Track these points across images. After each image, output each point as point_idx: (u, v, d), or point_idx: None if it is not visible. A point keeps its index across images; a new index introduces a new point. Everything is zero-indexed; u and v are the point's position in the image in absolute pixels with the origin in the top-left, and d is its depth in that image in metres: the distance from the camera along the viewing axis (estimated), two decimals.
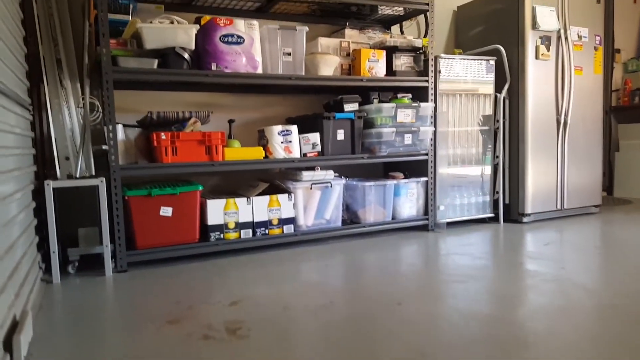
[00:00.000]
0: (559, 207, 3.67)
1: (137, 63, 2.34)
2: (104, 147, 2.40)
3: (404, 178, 3.28)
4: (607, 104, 4.76)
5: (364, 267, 2.43)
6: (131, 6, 2.54)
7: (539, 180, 3.53)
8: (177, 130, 2.60)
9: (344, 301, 1.92)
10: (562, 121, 3.58)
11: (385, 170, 3.57)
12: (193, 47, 2.45)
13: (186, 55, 2.42)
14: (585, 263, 2.41)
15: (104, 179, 2.31)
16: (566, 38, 3.51)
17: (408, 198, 3.28)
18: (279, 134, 2.80)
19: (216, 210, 2.67)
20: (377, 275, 2.26)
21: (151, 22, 2.32)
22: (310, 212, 2.97)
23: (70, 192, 2.66)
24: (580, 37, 3.59)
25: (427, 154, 3.24)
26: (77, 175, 2.34)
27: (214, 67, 2.54)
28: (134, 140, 2.62)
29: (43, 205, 2.24)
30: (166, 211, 2.52)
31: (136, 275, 2.38)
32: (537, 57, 3.42)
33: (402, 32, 3.61)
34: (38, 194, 2.33)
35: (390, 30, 3.53)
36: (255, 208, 2.78)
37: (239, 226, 2.73)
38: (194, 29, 2.41)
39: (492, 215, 3.58)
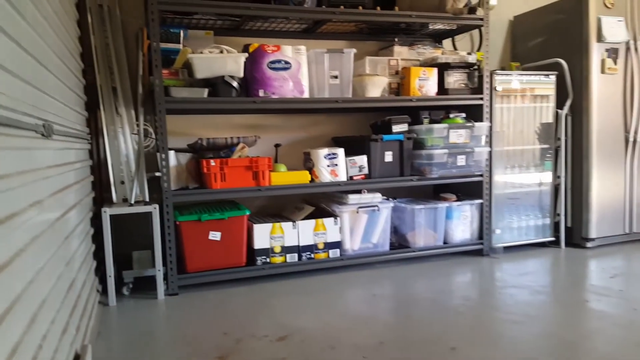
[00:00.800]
0: (627, 230, 3.39)
1: (188, 93, 2.38)
2: (157, 174, 2.47)
3: (456, 200, 3.15)
4: None
5: (414, 299, 2.34)
6: (182, 34, 2.60)
7: (604, 202, 3.28)
8: (225, 155, 2.63)
9: (394, 342, 1.85)
10: (632, 139, 3.30)
11: (436, 190, 3.45)
12: (242, 74, 2.47)
13: (235, 84, 2.45)
14: None
15: (157, 206, 2.37)
16: (636, 49, 3.24)
17: (461, 221, 3.15)
18: (325, 157, 2.77)
19: (263, 235, 2.67)
20: (429, 311, 2.17)
21: (201, 52, 2.36)
22: (356, 235, 2.91)
23: (124, 216, 2.76)
24: None
25: (481, 175, 3.09)
26: (132, 201, 2.41)
27: (261, 93, 2.55)
28: (185, 164, 2.68)
29: (100, 229, 2.34)
30: (215, 235, 2.55)
31: (186, 299, 2.42)
32: (602, 72, 3.17)
33: (454, 46, 3.48)
34: (95, 219, 2.43)
35: (442, 45, 3.41)
36: (301, 232, 2.76)
37: (285, 250, 2.72)
38: (243, 58, 2.43)
39: (552, 239, 3.36)
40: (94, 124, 2.64)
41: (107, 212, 2.28)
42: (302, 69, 2.62)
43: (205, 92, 2.42)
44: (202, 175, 2.63)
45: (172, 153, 2.57)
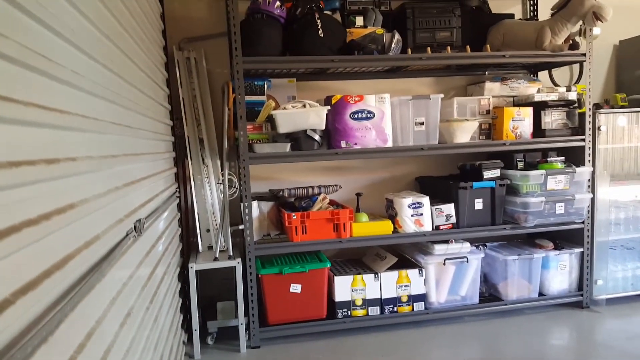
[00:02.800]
0: None
1: (271, 148, 2.37)
2: (240, 227, 2.48)
3: (554, 248, 2.88)
4: None
5: None
6: (266, 85, 2.59)
7: None
8: (306, 205, 2.59)
9: None
10: None
11: (531, 234, 3.18)
12: (324, 127, 2.41)
13: (317, 137, 2.40)
14: None
15: (240, 260, 2.37)
16: None
17: (559, 271, 2.87)
18: (409, 206, 2.63)
19: (343, 287, 2.59)
20: None
21: (284, 108, 2.33)
22: (443, 288, 2.75)
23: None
24: None
25: (582, 222, 2.80)
26: (217, 254, 2.44)
27: (343, 144, 2.47)
28: (267, 212, 2.67)
29: (186, 281, 2.38)
30: (296, 288, 2.52)
31: (268, 353, 2.40)
32: None
33: (551, 79, 3.19)
34: (182, 270, 2.49)
35: (537, 77, 3.13)
36: (384, 284, 2.65)
37: (367, 303, 2.63)
38: (325, 110, 2.37)
39: None
40: (181, 172, 2.72)
41: (193, 268, 2.32)
42: (385, 117, 2.51)
43: (287, 147, 2.39)
44: (283, 223, 2.60)
45: (254, 203, 2.57)
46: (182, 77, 2.64)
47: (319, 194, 2.59)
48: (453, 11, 2.70)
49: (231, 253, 2.43)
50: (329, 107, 2.40)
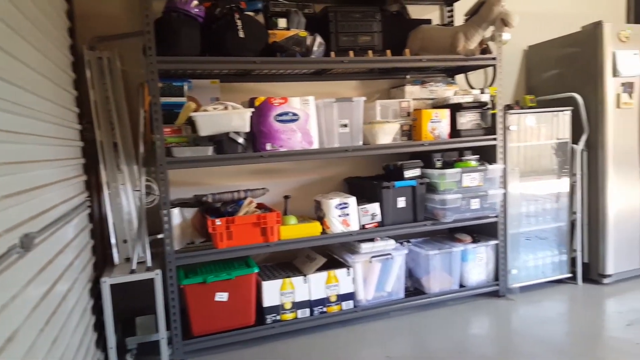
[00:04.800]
0: None
1: (192, 152, 2.27)
2: (159, 236, 2.36)
3: (472, 241, 3.04)
4: None
5: (430, 358, 2.24)
6: (186, 87, 2.49)
7: (620, 237, 3.17)
8: (232, 210, 2.52)
9: None
10: None
11: (452, 229, 3.33)
12: (248, 129, 2.36)
13: (240, 140, 2.34)
14: None
15: (159, 272, 2.26)
16: None
17: (477, 263, 3.04)
18: (336, 207, 2.65)
19: (272, 291, 2.56)
20: None
21: (205, 110, 2.25)
22: (370, 285, 2.80)
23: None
24: None
25: (496, 216, 2.98)
26: (134, 265, 2.30)
27: (269, 147, 2.44)
28: (190, 219, 2.57)
29: (100, 297, 2.22)
30: (222, 296, 2.44)
31: None
32: (618, 106, 3.07)
33: (467, 82, 3.36)
34: (95, 285, 2.32)
35: (454, 80, 3.28)
36: (313, 286, 2.65)
37: (296, 306, 2.61)
38: (249, 113, 2.32)
39: (569, 275, 3.26)
40: (95, 180, 2.53)
41: (107, 282, 2.17)
42: (310, 119, 2.51)
43: (209, 150, 2.31)
44: (208, 230, 2.51)
45: (176, 211, 2.46)
46: (94, 78, 2.46)
47: (245, 198, 2.53)
48: (374, 16, 2.75)
49: (150, 264, 2.30)
50: (252, 109, 2.35)
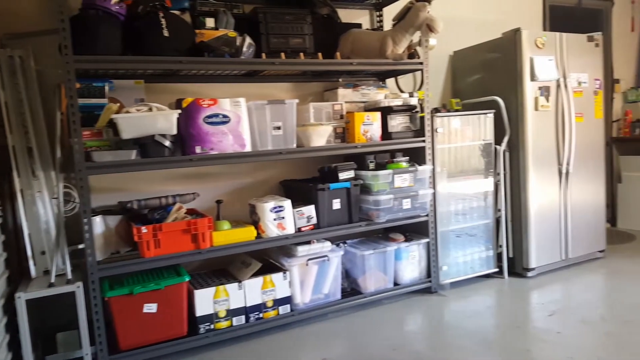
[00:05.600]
0: (563, 257, 3.52)
1: (113, 156, 2.15)
2: (80, 246, 2.21)
3: (405, 240, 3.12)
4: (607, 135, 4.61)
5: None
6: (107, 87, 2.36)
7: (542, 232, 3.39)
8: (160, 216, 2.42)
9: None
10: (565, 171, 3.44)
11: (388, 229, 3.40)
12: (175, 132, 2.28)
13: (167, 143, 2.25)
14: (594, 349, 2.25)
15: (80, 284, 2.12)
16: (565, 86, 3.37)
17: (410, 261, 3.12)
18: (271, 210, 2.62)
19: (205, 300, 2.48)
20: None
21: (127, 111, 2.14)
22: (307, 288, 2.79)
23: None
24: (580, 83, 3.46)
25: (427, 215, 3.08)
26: (53, 279, 2.14)
27: (198, 150, 2.36)
28: (114, 228, 2.43)
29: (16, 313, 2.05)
30: (150, 308, 2.33)
31: None
32: (536, 109, 3.27)
33: (397, 85, 3.45)
34: (10, 301, 2.13)
35: (385, 84, 3.36)
36: (248, 292, 2.60)
37: (231, 313, 2.55)
38: (175, 115, 2.24)
39: (496, 270, 3.43)
40: (7, 188, 2.34)
41: (22, 298, 2.01)
42: (242, 121, 2.46)
43: (133, 154, 2.20)
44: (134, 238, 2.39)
45: (98, 219, 2.32)
46: (5, 78, 2.27)
47: (174, 203, 2.44)
48: (305, 18, 2.75)
49: (70, 276, 2.16)
50: (179, 111, 2.27)
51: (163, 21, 2.21)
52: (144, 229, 2.26)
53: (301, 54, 2.67)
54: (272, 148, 2.59)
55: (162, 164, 2.29)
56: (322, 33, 2.88)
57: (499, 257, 3.44)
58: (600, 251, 3.73)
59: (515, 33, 3.21)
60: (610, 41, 4.62)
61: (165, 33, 2.20)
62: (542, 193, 3.37)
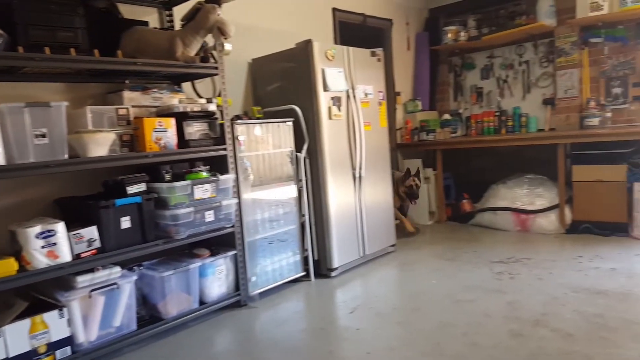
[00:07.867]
0: (361, 254, 3.81)
1: None
2: None
3: (210, 255, 2.94)
4: (392, 141, 5.21)
5: None
6: None
7: (341, 232, 3.60)
8: None
9: None
10: (358, 175, 3.73)
11: (192, 245, 3.16)
12: None
13: None
14: (387, 339, 2.45)
15: None
16: (354, 97, 3.66)
17: (217, 276, 2.95)
18: (37, 237, 2.16)
19: None
20: None
21: None
22: (92, 323, 2.39)
23: None
24: (366, 94, 3.80)
25: (232, 226, 2.96)
26: None
27: None
28: None
29: None
30: None
31: None
32: (330, 118, 3.47)
33: (195, 90, 3.26)
34: None
35: (181, 88, 3.14)
36: (11, 340, 2.09)
37: None
38: None
39: (304, 273, 3.52)
40: None
41: None
42: None
43: None
44: None
45: None
46: None
47: None
48: (76, 10, 2.38)
49: None
50: None
51: None
52: None
53: (72, 50, 2.28)
54: (35, 160, 2.14)
55: None
56: (99, 28, 2.52)
57: (305, 260, 3.54)
58: (392, 245, 4.16)
59: (307, 44, 3.35)
60: (391, 57, 5.24)
61: None
62: (340, 196, 3.58)
